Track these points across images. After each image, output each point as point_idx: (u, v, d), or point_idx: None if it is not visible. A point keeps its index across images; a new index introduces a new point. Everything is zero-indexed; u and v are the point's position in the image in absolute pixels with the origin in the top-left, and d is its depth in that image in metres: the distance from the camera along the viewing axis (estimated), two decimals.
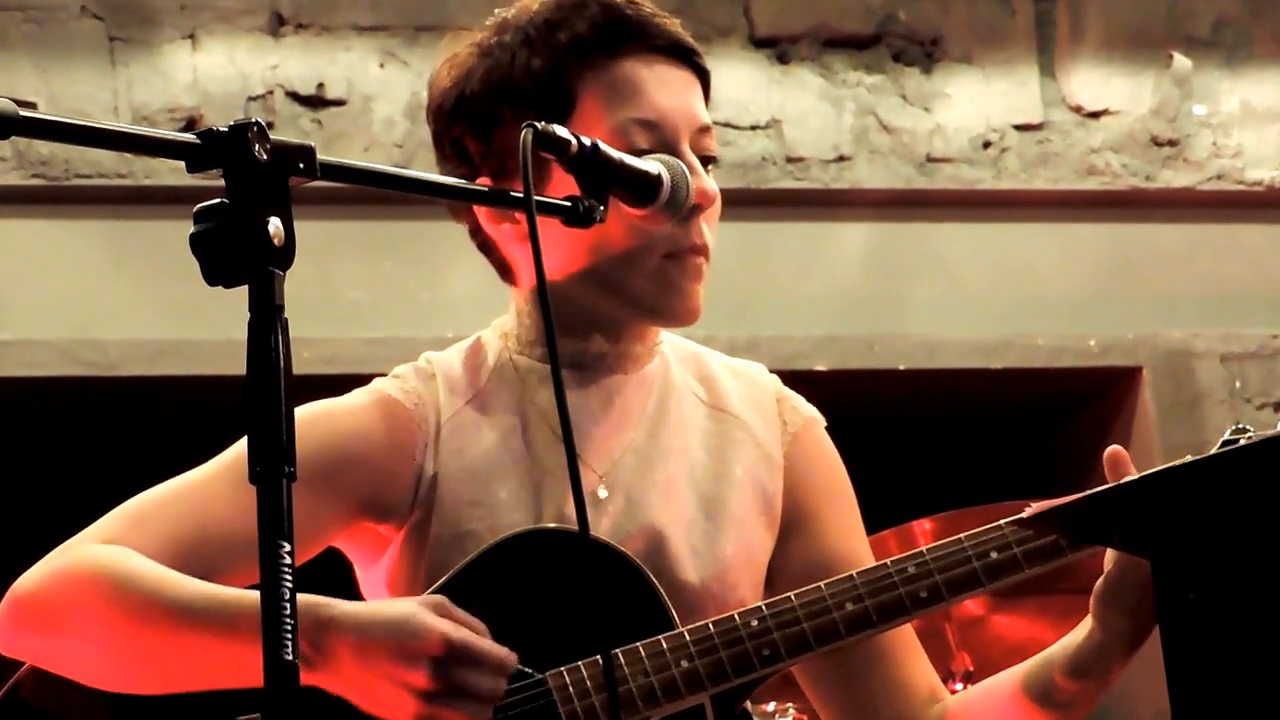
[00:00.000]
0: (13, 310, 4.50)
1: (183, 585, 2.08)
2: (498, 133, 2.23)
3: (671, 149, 2.19)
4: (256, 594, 1.56)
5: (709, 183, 2.22)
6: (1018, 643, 3.62)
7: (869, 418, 4.63)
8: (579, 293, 2.22)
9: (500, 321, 2.33)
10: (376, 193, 3.95)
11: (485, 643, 2.04)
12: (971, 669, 3.67)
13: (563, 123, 2.05)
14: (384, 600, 2.13)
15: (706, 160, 2.24)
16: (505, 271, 2.32)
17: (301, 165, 1.63)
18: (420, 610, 2.04)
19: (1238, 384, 4.92)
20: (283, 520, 1.54)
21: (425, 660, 2.01)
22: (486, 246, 2.31)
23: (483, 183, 2.23)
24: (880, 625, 2.16)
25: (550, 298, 1.83)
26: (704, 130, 2.25)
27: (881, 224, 4.91)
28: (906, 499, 3.70)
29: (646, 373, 2.30)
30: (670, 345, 2.36)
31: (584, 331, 2.25)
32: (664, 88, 2.23)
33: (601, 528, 2.20)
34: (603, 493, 2.23)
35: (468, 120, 2.24)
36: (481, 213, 2.28)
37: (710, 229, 2.24)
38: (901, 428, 5.11)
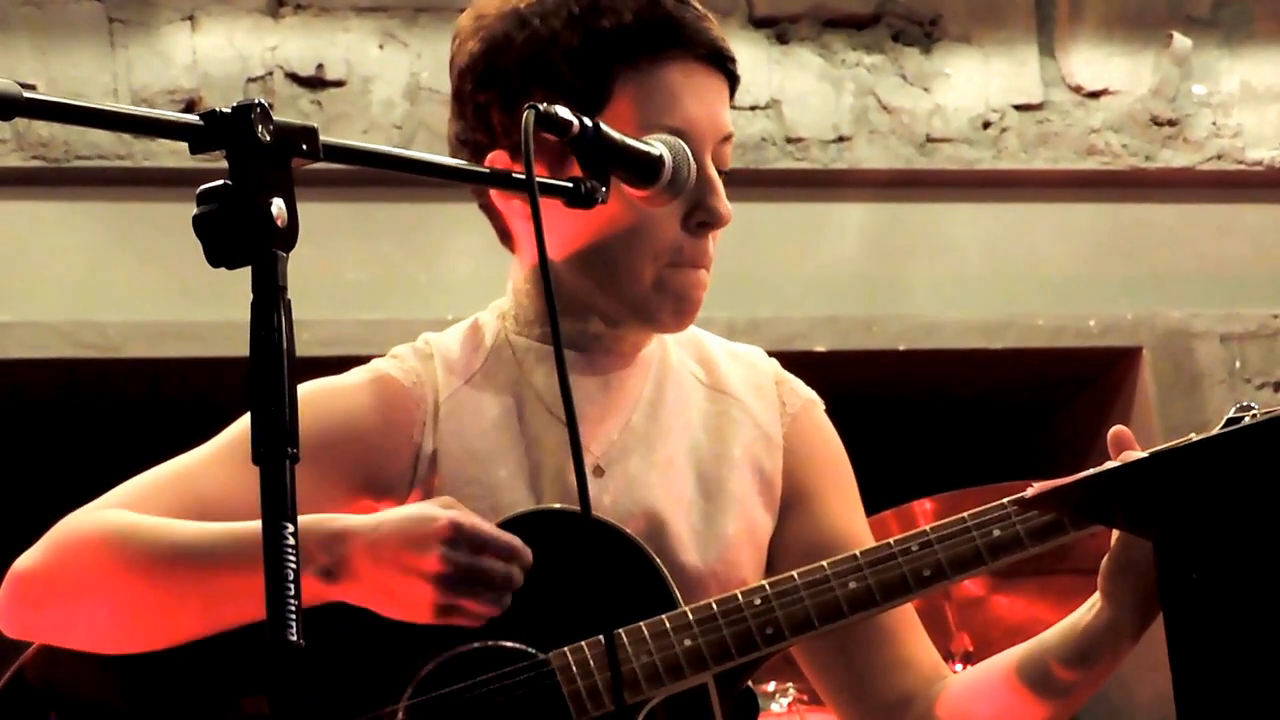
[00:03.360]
0: (13, 292, 4.50)
1: (187, 528, 2.10)
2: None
3: (695, 159, 2.16)
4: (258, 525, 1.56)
5: (726, 205, 2.22)
6: (1017, 623, 3.63)
7: (868, 398, 4.64)
8: (578, 282, 2.22)
9: (498, 303, 2.33)
10: (376, 174, 3.94)
11: (493, 528, 2.06)
12: (971, 649, 3.68)
13: (593, 114, 2.02)
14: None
15: (722, 171, 2.24)
16: (505, 237, 2.31)
17: (304, 147, 1.63)
18: (427, 504, 2.08)
19: (1237, 364, 4.92)
20: (286, 501, 1.54)
21: (436, 543, 2.02)
22: (489, 208, 2.31)
23: (498, 153, 2.21)
24: (883, 603, 2.16)
25: (550, 277, 1.84)
26: (726, 139, 2.25)
27: (881, 204, 4.91)
28: (906, 479, 3.70)
29: (644, 355, 2.30)
30: None
31: (583, 314, 2.25)
32: (698, 98, 2.21)
33: (602, 507, 2.20)
34: (602, 472, 2.23)
35: (497, 89, 2.21)
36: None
37: (713, 244, 2.24)
38: (901, 408, 5.11)
